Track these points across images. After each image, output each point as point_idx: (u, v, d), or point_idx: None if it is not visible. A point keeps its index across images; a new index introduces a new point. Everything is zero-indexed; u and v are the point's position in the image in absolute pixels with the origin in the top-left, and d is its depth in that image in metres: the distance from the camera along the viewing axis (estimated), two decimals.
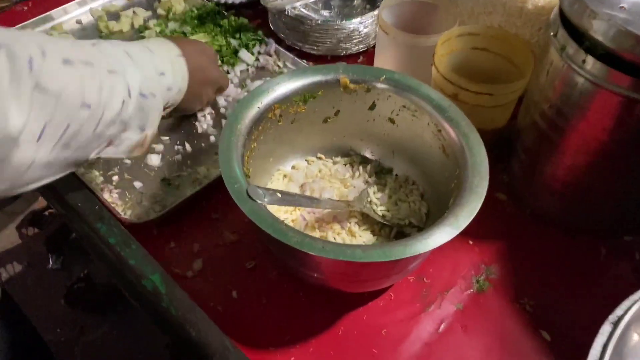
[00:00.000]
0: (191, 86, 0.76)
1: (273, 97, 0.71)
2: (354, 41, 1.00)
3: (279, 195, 0.63)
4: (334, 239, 0.72)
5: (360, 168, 0.81)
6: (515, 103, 0.81)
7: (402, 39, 0.83)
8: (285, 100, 0.73)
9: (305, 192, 0.77)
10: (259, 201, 0.60)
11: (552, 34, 0.67)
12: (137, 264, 0.67)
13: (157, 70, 0.68)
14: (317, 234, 0.72)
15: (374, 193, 0.77)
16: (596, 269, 0.75)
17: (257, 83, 0.96)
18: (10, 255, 1.92)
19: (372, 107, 0.77)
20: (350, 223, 0.74)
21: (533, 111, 0.75)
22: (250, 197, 0.60)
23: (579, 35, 0.62)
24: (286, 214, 0.74)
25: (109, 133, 0.60)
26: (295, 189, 0.77)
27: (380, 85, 0.74)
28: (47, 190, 0.76)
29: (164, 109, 0.72)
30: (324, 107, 0.77)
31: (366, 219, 0.75)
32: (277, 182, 0.78)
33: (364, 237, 0.73)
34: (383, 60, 0.91)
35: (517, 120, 0.82)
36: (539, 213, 0.80)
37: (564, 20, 0.65)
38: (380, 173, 0.81)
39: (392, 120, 0.77)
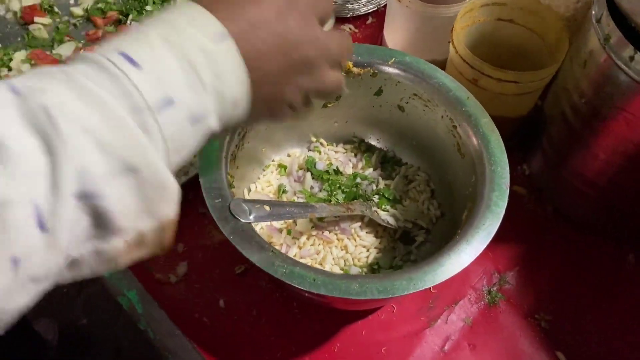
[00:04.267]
0: (260, 84, 0.38)
1: None
2: (362, 0, 0.88)
3: (267, 208, 0.55)
4: (335, 247, 0.65)
5: (365, 157, 0.72)
6: (543, 88, 0.70)
7: (417, 8, 0.72)
8: None
9: (301, 182, 0.69)
10: (242, 220, 0.52)
11: (594, 19, 0.56)
12: (111, 277, 0.60)
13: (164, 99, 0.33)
14: (315, 243, 0.65)
15: (378, 193, 0.69)
16: (623, 279, 0.68)
17: None
18: None
19: (379, 92, 0.67)
20: (352, 226, 0.66)
21: (563, 101, 0.65)
22: (233, 214, 0.52)
23: (629, 27, 0.52)
24: None
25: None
26: (289, 182, 0.69)
27: (388, 70, 0.64)
28: None
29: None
30: None
31: (370, 220, 0.67)
32: (270, 176, 0.70)
33: (365, 240, 0.66)
34: (393, 31, 0.79)
35: (544, 106, 0.72)
36: (563, 212, 0.72)
37: (610, 2, 0.54)
38: (386, 163, 0.73)
39: (401, 108, 0.68)
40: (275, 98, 0.41)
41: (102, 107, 0.30)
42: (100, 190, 0.30)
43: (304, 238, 0.65)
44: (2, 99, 0.29)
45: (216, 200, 0.53)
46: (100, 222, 0.31)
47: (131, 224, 0.32)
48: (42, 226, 0.28)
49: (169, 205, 0.34)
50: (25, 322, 1.33)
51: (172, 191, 0.34)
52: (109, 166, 0.30)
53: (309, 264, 0.64)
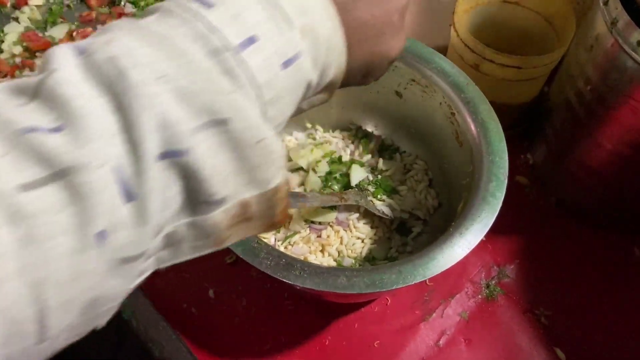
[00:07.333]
0: (353, 29, 0.34)
1: None
2: None
3: None
4: (328, 236, 0.63)
5: (362, 144, 0.70)
6: (549, 74, 0.67)
7: None
8: None
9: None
10: None
11: (601, 1, 0.53)
12: None
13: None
14: (310, 234, 0.63)
15: (376, 183, 0.66)
16: (627, 274, 0.65)
17: None
18: None
19: None
20: (350, 217, 0.64)
21: (568, 88, 0.62)
22: None
23: (637, 10, 0.49)
24: None
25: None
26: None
27: None
28: None
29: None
30: None
31: (367, 211, 0.65)
32: None
33: (361, 230, 0.64)
34: None
35: (549, 94, 0.69)
36: (566, 203, 0.70)
37: None
38: (384, 151, 0.70)
39: (398, 94, 0.65)
40: (376, 49, 0.36)
41: (173, 51, 0.26)
42: (185, 145, 0.25)
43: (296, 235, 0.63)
44: (65, 59, 0.26)
45: None
46: (192, 187, 0.26)
47: (228, 189, 0.27)
48: (127, 194, 0.24)
49: (271, 166, 0.29)
50: None
51: (273, 149, 0.28)
52: (190, 116, 0.26)
53: (302, 258, 0.62)
